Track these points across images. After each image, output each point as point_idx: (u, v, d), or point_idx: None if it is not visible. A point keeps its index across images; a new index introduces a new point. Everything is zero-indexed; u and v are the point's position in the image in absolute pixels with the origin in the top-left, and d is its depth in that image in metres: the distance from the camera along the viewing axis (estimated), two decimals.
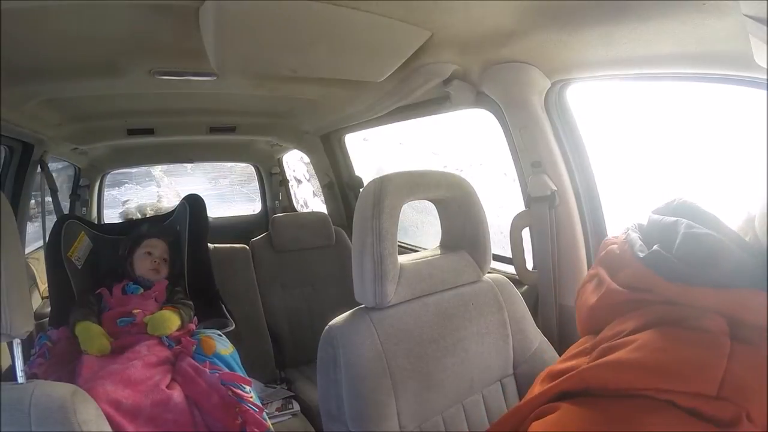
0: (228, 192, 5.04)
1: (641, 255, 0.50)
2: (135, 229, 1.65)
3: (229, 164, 4.25)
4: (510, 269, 1.33)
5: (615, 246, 0.56)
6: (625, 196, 1.30)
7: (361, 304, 0.82)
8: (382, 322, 0.78)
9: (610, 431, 0.42)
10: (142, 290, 1.48)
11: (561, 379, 0.49)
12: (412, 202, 0.85)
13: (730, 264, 0.44)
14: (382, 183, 0.79)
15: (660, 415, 0.41)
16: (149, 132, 2.04)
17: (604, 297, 0.52)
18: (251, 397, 1.25)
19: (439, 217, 0.95)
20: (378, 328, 0.77)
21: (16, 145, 1.63)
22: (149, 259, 1.52)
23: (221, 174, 5.64)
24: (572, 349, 0.56)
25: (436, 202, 0.94)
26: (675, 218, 0.50)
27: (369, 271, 0.77)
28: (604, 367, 0.45)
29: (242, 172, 4.46)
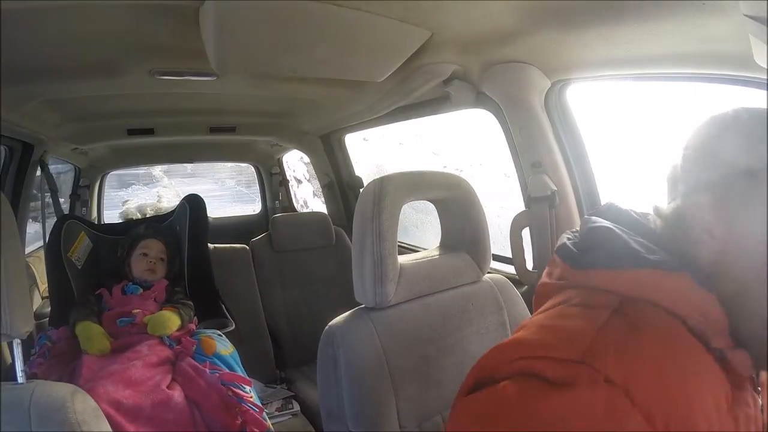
0: (236, 192, 5.06)
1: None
2: (133, 229, 1.65)
3: (232, 165, 4.25)
4: (510, 269, 1.33)
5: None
6: (625, 196, 1.30)
7: (361, 304, 0.82)
8: (382, 322, 0.78)
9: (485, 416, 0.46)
10: (141, 290, 1.48)
11: (481, 357, 0.53)
12: (413, 202, 0.85)
13: (617, 248, 0.50)
14: (382, 183, 0.79)
15: (529, 385, 0.45)
16: (149, 132, 2.03)
17: (538, 289, 0.59)
18: (251, 397, 1.25)
19: (439, 218, 0.95)
20: (378, 328, 0.77)
21: (16, 145, 1.63)
22: (145, 260, 1.52)
23: (228, 175, 5.67)
24: None
25: (436, 203, 0.94)
26: (589, 217, 0.57)
27: (369, 271, 0.77)
28: (507, 343, 0.51)
29: (248, 172, 4.47)
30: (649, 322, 0.46)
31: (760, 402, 0.51)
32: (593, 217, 0.56)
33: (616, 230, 0.52)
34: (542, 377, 0.44)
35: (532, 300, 0.61)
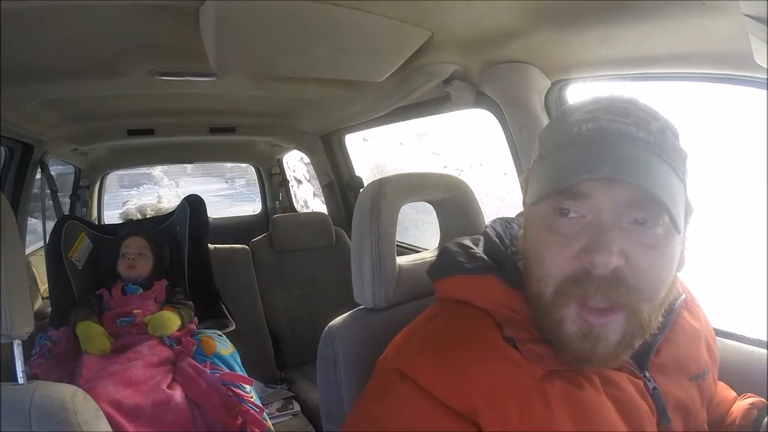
0: (247, 191, 5.09)
1: None
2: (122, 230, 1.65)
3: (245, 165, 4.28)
4: None
5: None
6: None
7: (361, 305, 0.82)
8: (382, 322, 0.78)
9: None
10: (141, 290, 1.48)
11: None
12: (413, 203, 0.85)
13: (444, 261, 0.61)
14: (380, 185, 0.79)
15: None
16: (149, 132, 2.04)
17: None
18: (251, 397, 1.25)
19: (438, 219, 0.95)
20: (377, 329, 0.77)
21: (16, 146, 1.63)
22: (124, 260, 1.52)
23: (238, 174, 5.69)
24: None
25: (435, 204, 0.94)
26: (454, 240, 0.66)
27: (368, 272, 0.77)
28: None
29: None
30: (457, 319, 0.54)
31: (651, 385, 0.53)
32: (457, 239, 0.66)
33: (451, 248, 0.62)
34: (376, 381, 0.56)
35: None
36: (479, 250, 0.61)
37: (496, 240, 0.62)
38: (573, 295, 0.46)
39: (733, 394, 0.67)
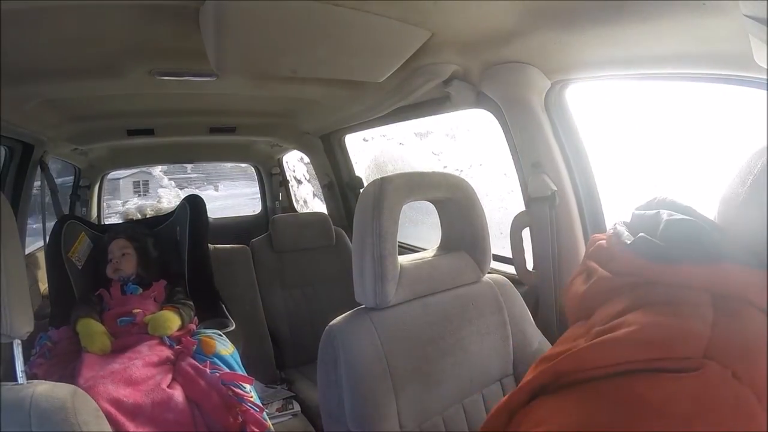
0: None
1: (628, 242, 0.53)
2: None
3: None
4: (510, 269, 1.33)
5: (603, 241, 0.59)
6: (626, 195, 1.30)
7: (362, 305, 0.82)
8: (383, 322, 0.78)
9: (606, 408, 0.44)
10: (141, 290, 1.48)
11: (556, 361, 0.50)
12: (412, 203, 0.85)
13: (707, 243, 0.48)
14: (381, 184, 0.79)
15: (650, 379, 0.43)
16: (149, 132, 2.04)
17: (594, 284, 0.55)
18: (251, 397, 1.25)
19: (439, 218, 0.95)
20: (378, 329, 0.77)
21: (16, 145, 1.63)
22: (111, 264, 1.53)
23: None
24: (564, 337, 0.57)
25: (436, 203, 0.94)
26: (656, 210, 0.54)
27: (369, 272, 0.77)
28: (600, 345, 0.47)
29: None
30: (752, 319, 0.45)
31: None
32: (666, 211, 0.53)
33: (701, 224, 0.50)
34: (668, 370, 0.42)
35: (561, 299, 0.58)
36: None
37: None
38: None
39: None
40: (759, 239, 0.47)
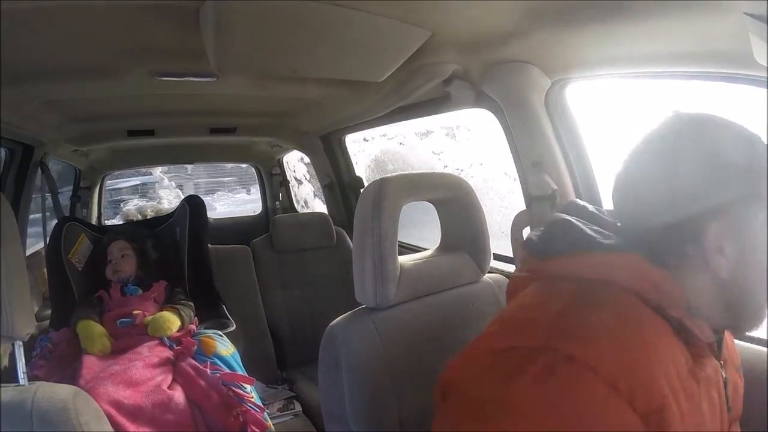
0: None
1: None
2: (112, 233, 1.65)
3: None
4: (511, 269, 1.33)
5: None
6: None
7: (362, 305, 0.82)
8: (383, 322, 0.78)
9: (454, 412, 0.51)
10: (141, 291, 1.48)
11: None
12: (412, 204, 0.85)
13: (573, 236, 0.55)
14: (381, 184, 0.79)
15: (499, 376, 0.48)
16: (149, 133, 2.03)
17: (509, 285, 0.63)
18: (252, 397, 1.25)
19: (439, 218, 0.95)
20: (379, 329, 0.77)
21: (16, 146, 1.63)
22: (110, 265, 1.53)
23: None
24: None
25: (436, 203, 0.94)
26: (556, 214, 0.61)
27: (369, 272, 0.77)
28: (472, 343, 0.55)
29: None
30: (606, 299, 0.50)
31: (723, 373, 0.56)
32: (557, 214, 0.60)
33: (573, 221, 0.57)
34: (510, 365, 0.47)
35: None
36: (597, 228, 0.56)
37: (599, 214, 0.59)
38: None
39: None
40: (627, 223, 0.56)
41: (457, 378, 0.53)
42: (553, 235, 0.58)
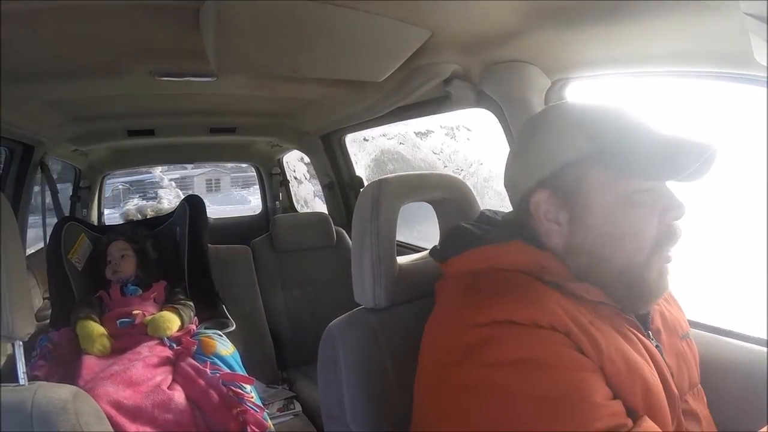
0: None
1: None
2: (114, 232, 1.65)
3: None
4: None
5: None
6: None
7: (362, 305, 0.82)
8: (382, 322, 0.78)
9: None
10: (140, 291, 1.48)
11: None
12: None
13: (463, 236, 0.65)
14: (380, 185, 0.79)
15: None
16: (149, 133, 2.04)
17: (435, 287, 0.71)
18: (252, 397, 1.25)
19: (437, 219, 0.95)
20: (378, 329, 0.77)
21: (16, 146, 1.63)
22: (109, 266, 1.53)
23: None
24: None
25: (434, 204, 0.94)
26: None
27: (368, 273, 0.77)
28: None
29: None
30: (499, 278, 0.58)
31: (654, 343, 0.61)
32: (461, 223, 0.69)
33: (464, 225, 0.67)
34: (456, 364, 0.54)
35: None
36: (487, 227, 0.65)
37: (495, 216, 0.68)
38: (664, 252, 0.57)
39: None
40: (508, 217, 0.66)
41: (419, 394, 0.62)
42: (449, 241, 0.67)
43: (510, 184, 0.65)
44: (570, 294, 0.55)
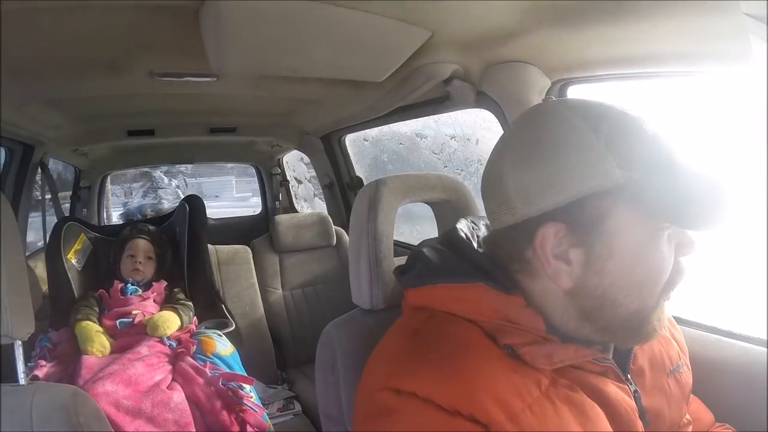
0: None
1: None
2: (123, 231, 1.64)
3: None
4: None
5: None
6: None
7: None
8: (380, 323, 0.78)
9: None
10: (140, 291, 1.48)
11: None
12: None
13: (423, 267, 0.59)
14: (377, 186, 0.79)
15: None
16: (149, 133, 2.03)
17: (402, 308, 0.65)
18: (251, 397, 1.25)
19: (436, 219, 0.95)
20: (375, 330, 0.77)
21: (16, 146, 1.63)
22: (131, 261, 1.52)
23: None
24: None
25: (433, 204, 0.94)
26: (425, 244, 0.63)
27: (365, 274, 0.77)
28: None
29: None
30: (445, 332, 0.51)
31: (633, 388, 0.55)
32: (425, 246, 0.62)
33: (425, 252, 0.59)
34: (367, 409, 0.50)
35: None
36: (456, 255, 0.57)
37: (471, 244, 0.60)
38: (671, 292, 0.51)
39: (710, 417, 0.68)
40: (488, 240, 0.58)
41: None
42: (410, 267, 0.61)
43: (495, 194, 0.52)
44: (525, 361, 0.48)
